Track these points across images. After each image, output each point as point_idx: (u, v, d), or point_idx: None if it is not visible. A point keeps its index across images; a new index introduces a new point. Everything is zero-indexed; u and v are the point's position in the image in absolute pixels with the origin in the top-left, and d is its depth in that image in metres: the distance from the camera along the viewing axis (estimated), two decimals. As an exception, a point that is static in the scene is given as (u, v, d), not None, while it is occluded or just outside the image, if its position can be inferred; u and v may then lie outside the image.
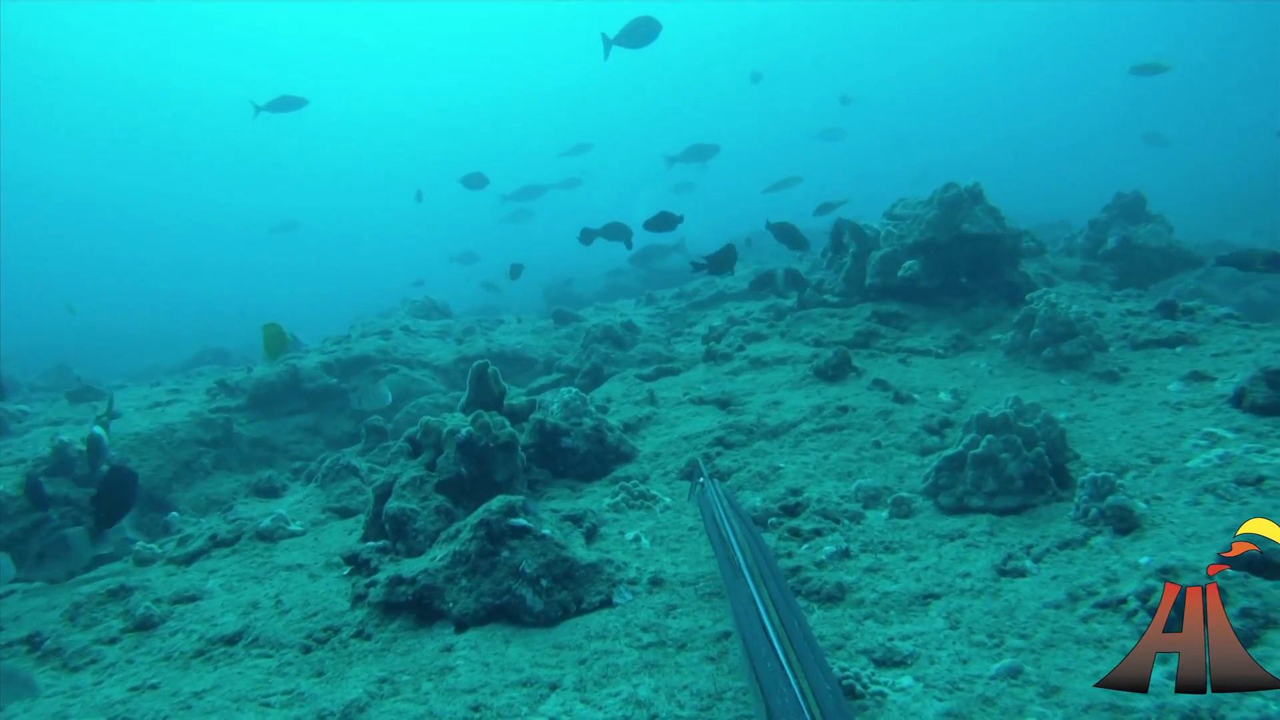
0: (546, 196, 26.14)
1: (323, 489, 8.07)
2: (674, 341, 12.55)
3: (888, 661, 3.72)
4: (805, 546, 5.16)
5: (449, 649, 4.39)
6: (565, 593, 4.71)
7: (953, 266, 10.18)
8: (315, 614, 5.14)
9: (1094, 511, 4.71)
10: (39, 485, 7.80)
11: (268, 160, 78.46)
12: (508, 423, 6.56)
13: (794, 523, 5.47)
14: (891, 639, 3.87)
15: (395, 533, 5.78)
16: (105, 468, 8.04)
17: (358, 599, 5.13)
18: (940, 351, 9.17)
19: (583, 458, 7.17)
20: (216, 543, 6.94)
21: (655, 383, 9.69)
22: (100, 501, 6.47)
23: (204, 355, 22.84)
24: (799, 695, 2.57)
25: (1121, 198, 13.17)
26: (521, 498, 5.11)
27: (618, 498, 6.34)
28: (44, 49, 72.84)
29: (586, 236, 10.55)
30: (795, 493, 5.94)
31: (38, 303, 38.33)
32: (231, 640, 4.99)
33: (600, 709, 3.65)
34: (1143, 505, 4.76)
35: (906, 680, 3.53)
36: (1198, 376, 7.10)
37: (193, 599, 5.82)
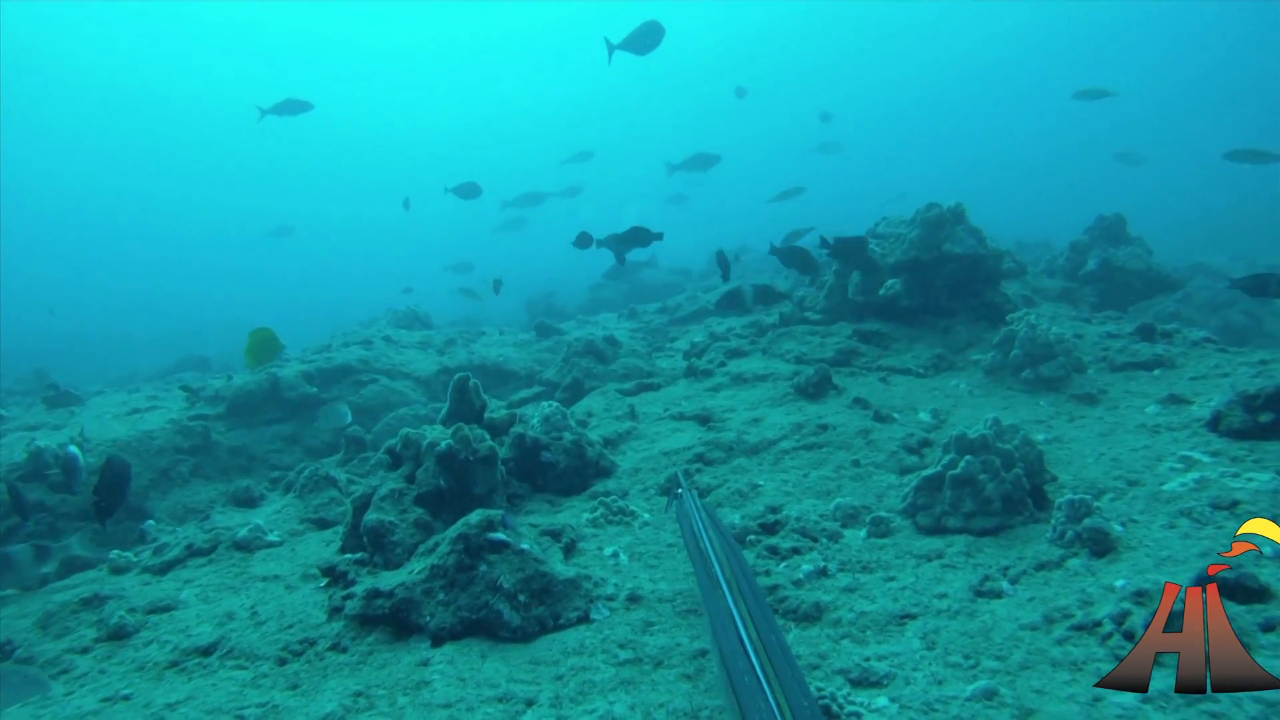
0: (540, 207, 26.09)
1: (301, 499, 8.03)
2: (655, 356, 12.56)
3: (864, 682, 3.72)
4: (783, 565, 5.17)
5: (425, 663, 4.38)
6: (543, 608, 4.70)
7: (934, 286, 10.22)
8: (291, 626, 5.11)
9: (1071, 534, 4.74)
10: (19, 492, 7.73)
11: (260, 166, 78.58)
12: (488, 436, 6.54)
13: (772, 541, 5.48)
14: (868, 659, 3.88)
15: (373, 545, 5.76)
16: (82, 481, 7.97)
17: (334, 611, 5.10)
18: (920, 371, 9.21)
19: (562, 472, 7.16)
20: (193, 552, 6.88)
21: (636, 398, 9.68)
22: (100, 494, 6.44)
23: (184, 362, 22.66)
24: (776, 712, 2.57)
25: (1102, 220, 13.29)
26: (500, 512, 5.10)
27: (597, 513, 6.34)
28: (32, 50, 72.49)
29: (610, 243, 10.06)
30: (774, 510, 5.95)
31: (17, 306, 38.01)
32: (206, 651, 4.95)
33: (576, 726, 3.65)
34: (1119, 528, 4.80)
35: (882, 701, 3.54)
36: (1175, 400, 7.16)
37: (168, 609, 5.77)
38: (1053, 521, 4.92)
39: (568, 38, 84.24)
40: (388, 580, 5.03)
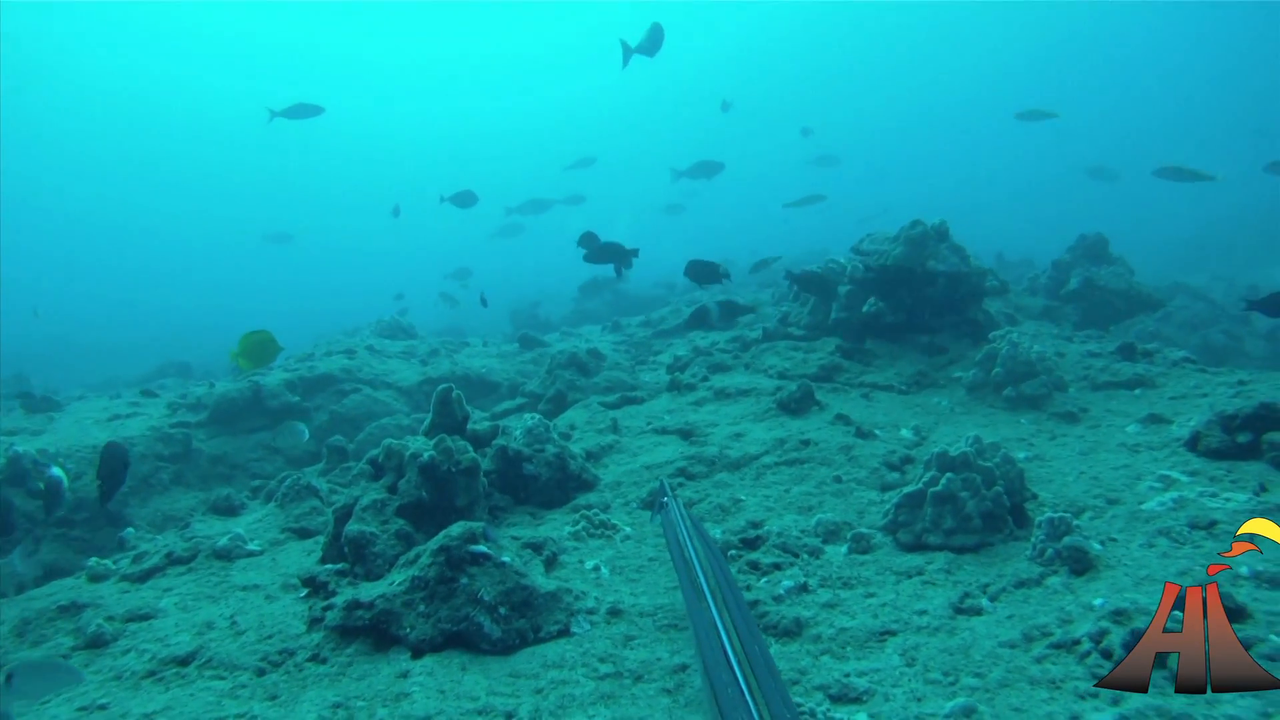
0: (544, 214, 26.08)
1: (282, 509, 7.99)
2: (639, 370, 12.57)
3: (843, 698, 3.73)
4: (764, 580, 5.18)
5: (405, 675, 4.37)
6: (523, 621, 4.70)
7: (917, 303, 10.26)
8: (271, 636, 5.09)
9: (1050, 552, 4.76)
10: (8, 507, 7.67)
11: (254, 175, 78.35)
12: (470, 448, 6.53)
13: (753, 556, 5.49)
14: (848, 675, 3.89)
15: (354, 556, 5.74)
16: (64, 503, 7.91)
17: (314, 622, 5.08)
18: (903, 387, 9.25)
19: (544, 485, 7.15)
20: (172, 560, 6.84)
21: (619, 411, 9.68)
22: (101, 477, 6.42)
23: (166, 368, 22.54)
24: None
25: (1084, 239, 13.38)
26: (482, 524, 5.11)
27: (578, 526, 6.34)
28: (23, 54, 72.10)
29: (592, 257, 9.80)
30: (755, 525, 5.96)
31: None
32: (184, 661, 4.91)
33: (555, 740, 3.65)
34: (1098, 546, 4.83)
35: (862, 717, 3.55)
36: (1155, 419, 7.21)
37: (146, 617, 5.73)
38: (1033, 539, 4.95)
39: (571, 50, 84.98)
40: (368, 591, 5.01)
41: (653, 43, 12.93)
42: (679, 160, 20.93)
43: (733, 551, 5.61)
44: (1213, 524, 4.87)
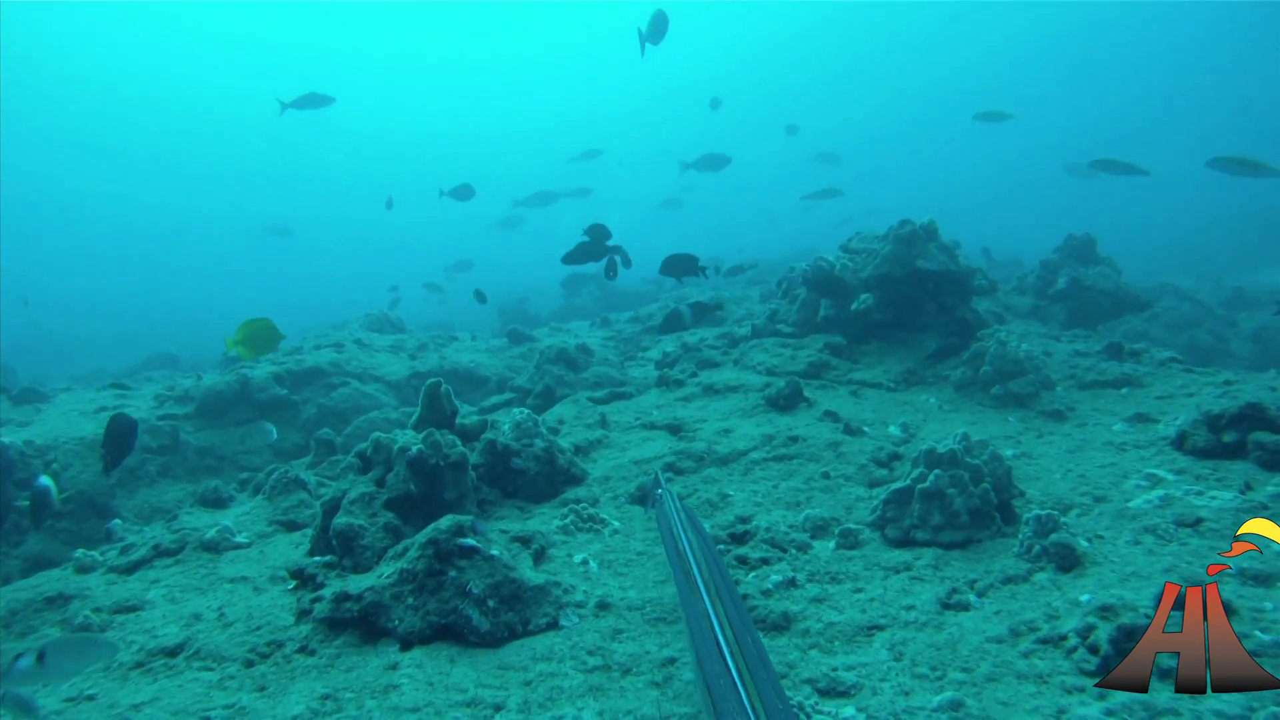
0: (551, 206, 26.03)
1: (270, 501, 7.97)
2: (628, 365, 12.56)
3: (831, 691, 3.75)
4: (752, 575, 5.19)
5: (394, 667, 4.37)
6: (512, 614, 4.70)
7: (906, 301, 10.28)
8: (259, 628, 5.08)
9: (1037, 548, 4.79)
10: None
11: (246, 168, 78.01)
12: (459, 441, 6.53)
13: (742, 551, 5.51)
14: (836, 669, 3.91)
15: (342, 548, 5.73)
16: (53, 513, 7.88)
17: (302, 614, 5.08)
18: (891, 385, 9.27)
19: (533, 479, 7.15)
20: (160, 552, 6.81)
21: (607, 406, 9.68)
22: (107, 446, 6.42)
23: (153, 360, 22.41)
24: (750, 713, 2.60)
25: (1072, 239, 13.40)
26: (470, 517, 5.11)
27: (567, 520, 6.34)
28: (17, 49, 71.73)
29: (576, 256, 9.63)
30: (744, 521, 5.98)
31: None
32: (172, 652, 4.91)
33: (544, 732, 3.66)
34: (1085, 543, 4.86)
35: (849, 710, 3.57)
36: (1141, 418, 7.25)
37: (133, 609, 5.72)
38: (1020, 536, 4.97)
39: (579, 47, 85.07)
40: (357, 584, 5.01)
41: (656, 30, 13.02)
42: (682, 155, 20.92)
43: (721, 546, 5.61)
44: (1198, 521, 4.91)
